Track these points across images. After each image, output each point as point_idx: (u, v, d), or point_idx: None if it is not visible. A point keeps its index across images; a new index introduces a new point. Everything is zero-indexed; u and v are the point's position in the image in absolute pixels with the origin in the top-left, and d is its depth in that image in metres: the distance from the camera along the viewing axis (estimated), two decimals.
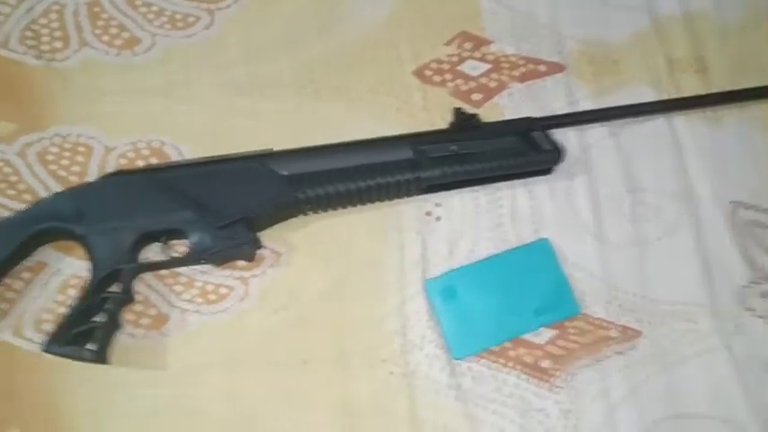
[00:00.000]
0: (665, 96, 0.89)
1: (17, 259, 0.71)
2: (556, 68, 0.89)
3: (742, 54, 0.92)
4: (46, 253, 0.74)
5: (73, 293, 0.73)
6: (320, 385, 0.73)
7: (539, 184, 0.83)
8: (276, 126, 0.83)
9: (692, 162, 0.86)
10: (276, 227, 0.77)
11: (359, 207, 0.79)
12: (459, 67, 0.88)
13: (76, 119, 0.80)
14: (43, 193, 0.77)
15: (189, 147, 0.81)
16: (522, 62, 0.89)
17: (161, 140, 0.81)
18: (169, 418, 0.70)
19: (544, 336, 0.77)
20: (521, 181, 0.82)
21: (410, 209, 0.80)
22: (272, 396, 0.72)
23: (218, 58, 0.85)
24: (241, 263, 0.76)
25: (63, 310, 0.72)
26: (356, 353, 0.74)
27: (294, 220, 0.78)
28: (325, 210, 0.77)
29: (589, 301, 0.78)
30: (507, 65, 0.89)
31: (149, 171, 0.74)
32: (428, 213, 0.81)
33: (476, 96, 0.87)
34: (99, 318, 0.69)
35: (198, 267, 0.76)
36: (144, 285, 0.74)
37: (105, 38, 0.84)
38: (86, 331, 0.68)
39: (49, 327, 0.72)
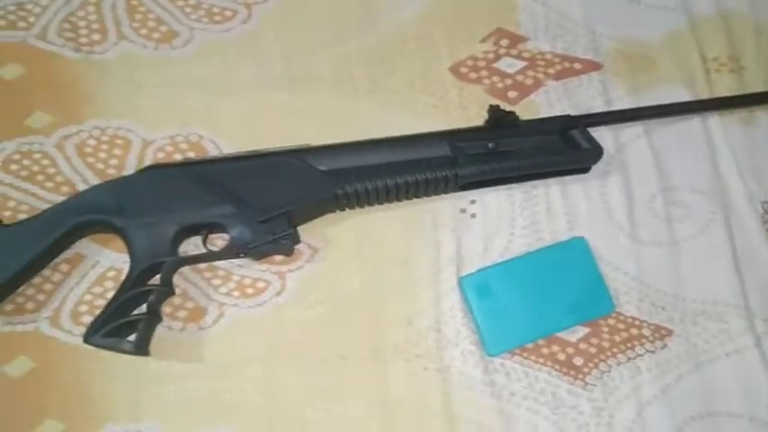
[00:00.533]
0: (699, 96, 0.88)
1: (56, 251, 0.72)
2: (591, 66, 0.89)
3: None
4: (84, 245, 0.75)
5: (110, 286, 0.74)
6: (357, 380, 0.73)
7: (573, 183, 0.83)
8: (313, 121, 0.83)
9: (725, 162, 0.86)
10: (313, 222, 0.77)
11: (395, 203, 0.79)
12: (495, 65, 0.88)
13: (115, 112, 0.81)
14: (81, 186, 0.77)
15: (226, 141, 0.81)
16: (557, 60, 0.89)
17: (198, 134, 0.81)
18: (207, 411, 0.71)
19: (577, 333, 0.77)
20: (555, 179, 0.83)
21: (445, 206, 0.81)
22: (309, 390, 0.72)
23: (255, 52, 0.85)
24: (278, 257, 0.77)
25: (101, 302, 0.73)
26: (392, 348, 0.74)
27: (330, 215, 0.78)
28: (362, 206, 0.77)
29: (622, 299, 0.79)
30: (543, 62, 0.89)
31: (189, 165, 0.75)
32: (463, 210, 0.81)
33: (512, 94, 0.87)
34: (139, 310, 0.70)
35: (235, 261, 0.76)
36: (182, 278, 0.75)
37: (143, 31, 0.85)
38: (127, 324, 0.68)
39: (87, 318, 0.73)
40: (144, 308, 0.70)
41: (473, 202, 0.81)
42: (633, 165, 0.85)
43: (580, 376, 0.75)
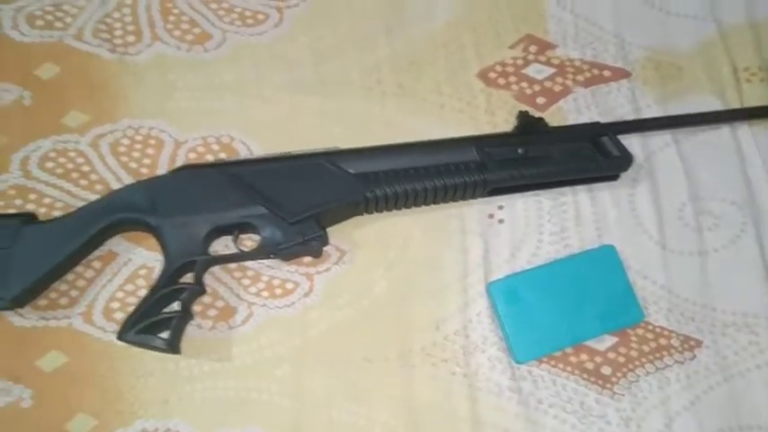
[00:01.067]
0: (729, 105, 0.88)
1: (91, 248, 0.73)
2: (620, 74, 0.89)
3: None
4: (116, 243, 0.76)
5: (142, 283, 0.75)
6: (383, 383, 0.73)
7: (601, 190, 0.83)
8: (342, 125, 0.83)
9: (755, 172, 0.86)
10: (340, 225, 0.78)
11: (422, 207, 0.79)
12: (523, 71, 0.88)
13: (148, 112, 0.82)
14: (115, 184, 0.78)
15: (257, 143, 0.82)
16: (586, 67, 0.89)
17: (230, 136, 0.82)
18: (236, 410, 0.71)
19: (605, 342, 0.77)
20: (583, 186, 0.83)
21: (472, 211, 0.81)
22: (335, 392, 0.73)
23: (286, 56, 0.86)
24: (306, 259, 0.77)
25: (132, 299, 0.74)
26: (418, 352, 0.75)
27: (358, 218, 0.78)
28: (390, 209, 0.78)
29: (651, 308, 0.78)
30: (572, 69, 0.89)
31: (222, 165, 0.75)
32: (490, 216, 0.81)
33: (540, 100, 0.87)
34: (171, 308, 0.71)
35: (265, 262, 0.77)
36: (212, 278, 0.76)
37: (177, 33, 0.86)
38: (160, 321, 0.69)
39: (119, 315, 0.73)
40: (176, 306, 0.71)
41: (501, 207, 0.81)
42: (662, 173, 0.85)
43: (608, 385, 0.75)
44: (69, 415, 0.70)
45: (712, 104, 0.88)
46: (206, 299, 0.75)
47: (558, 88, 0.88)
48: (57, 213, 0.76)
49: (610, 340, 0.77)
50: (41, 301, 0.73)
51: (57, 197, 0.77)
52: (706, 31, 0.93)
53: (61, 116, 0.81)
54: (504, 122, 0.85)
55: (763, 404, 0.76)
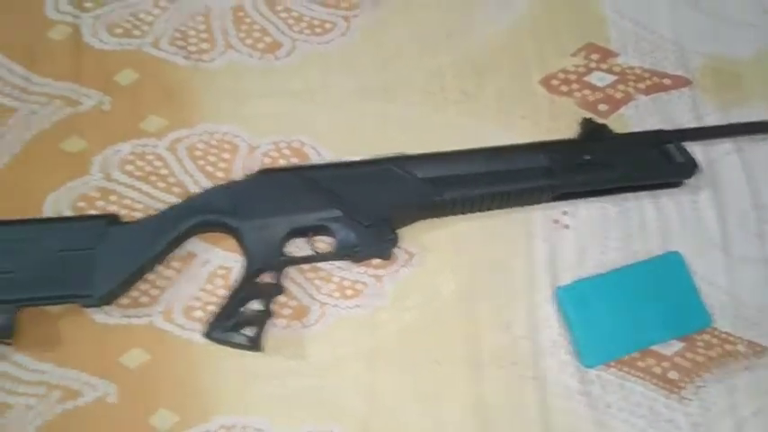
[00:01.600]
0: None
1: (172, 248, 0.75)
2: (681, 82, 0.90)
3: None
4: (195, 244, 0.78)
5: (220, 283, 0.77)
6: (453, 384, 0.75)
7: (665, 197, 0.84)
8: (406, 131, 0.85)
9: None
10: (408, 228, 0.79)
11: (485, 213, 0.81)
12: (585, 78, 0.89)
13: (222, 118, 0.84)
14: (192, 187, 0.81)
15: (326, 148, 0.84)
16: (647, 75, 0.90)
17: (300, 141, 0.84)
18: (310, 407, 0.73)
19: (672, 347, 0.78)
20: (647, 193, 0.84)
21: (538, 216, 0.82)
22: (406, 392, 0.74)
23: (353, 63, 0.88)
24: (375, 261, 0.79)
25: (211, 298, 0.76)
26: (487, 355, 0.76)
27: (425, 221, 0.80)
28: (458, 213, 0.80)
29: (716, 314, 0.79)
30: (633, 77, 0.90)
31: (299, 169, 0.78)
32: (556, 221, 0.82)
33: (602, 107, 0.88)
34: (251, 307, 0.73)
35: (336, 263, 0.79)
36: (286, 278, 0.77)
37: (248, 41, 0.88)
38: (243, 320, 0.72)
39: (199, 314, 0.76)
40: (256, 305, 0.73)
41: (565, 213, 0.82)
42: (724, 181, 0.85)
43: (676, 390, 0.76)
44: (152, 410, 0.72)
45: None
46: (280, 298, 0.76)
47: (619, 95, 0.89)
48: (137, 215, 0.79)
49: (676, 345, 0.78)
50: (123, 300, 0.75)
51: (136, 199, 0.80)
52: (765, 38, 0.93)
53: (139, 121, 0.84)
54: (566, 129, 0.86)
55: None
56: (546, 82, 0.89)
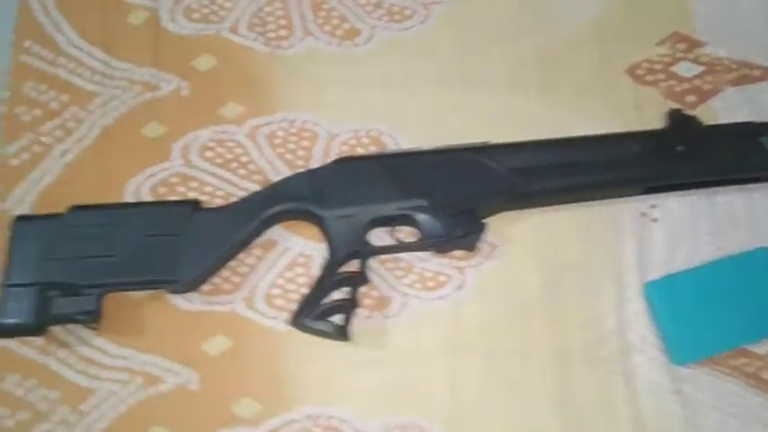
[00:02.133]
0: None
1: (255, 235, 0.75)
2: None
3: None
4: (275, 231, 0.77)
5: (300, 271, 0.76)
6: (539, 379, 0.73)
7: (756, 191, 0.81)
8: (486, 120, 0.83)
9: None
10: (490, 219, 0.77)
11: (571, 206, 0.79)
12: (672, 68, 0.87)
13: (302, 105, 0.83)
14: (272, 174, 0.80)
15: (405, 136, 0.82)
16: (735, 66, 0.87)
17: (379, 129, 0.83)
18: (394, 398, 0.72)
19: (765, 346, 0.75)
20: (737, 186, 0.81)
21: (624, 209, 0.80)
22: (492, 385, 0.73)
23: (433, 51, 0.87)
24: (457, 252, 0.77)
25: (292, 286, 0.76)
26: (575, 350, 0.74)
27: (508, 213, 0.78)
28: (545, 204, 0.78)
29: None
30: (721, 68, 0.87)
31: (382, 158, 0.77)
32: (643, 214, 0.80)
33: (690, 98, 0.85)
34: (337, 297, 0.72)
35: (417, 254, 0.77)
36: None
37: (327, 28, 0.87)
38: (330, 309, 0.71)
39: (280, 302, 0.75)
40: (340, 294, 0.72)
41: (653, 206, 0.80)
42: None
43: None
44: (235, 398, 0.72)
45: None
46: (362, 288, 0.75)
47: (707, 87, 0.86)
48: (218, 201, 0.78)
49: None
50: (205, 287, 0.75)
51: (217, 185, 0.80)
52: None
53: (218, 107, 0.83)
54: (652, 120, 0.83)
55: None
56: (631, 72, 0.86)
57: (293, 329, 0.73)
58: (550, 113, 0.84)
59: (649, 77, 0.86)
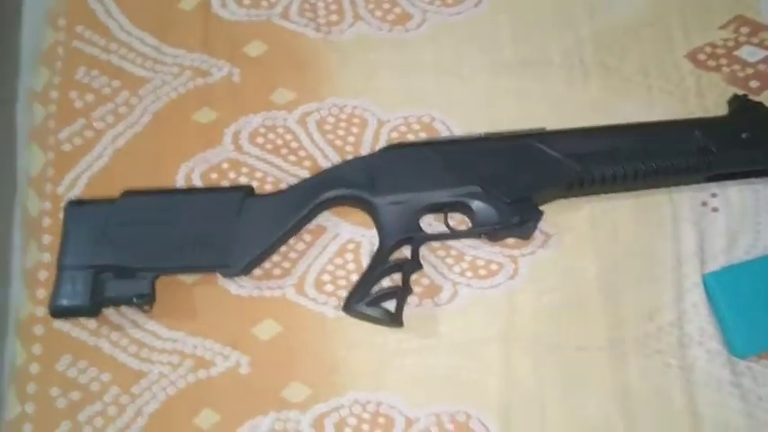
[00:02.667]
0: None
1: (307, 221, 0.74)
2: None
3: None
4: (325, 217, 0.77)
5: (350, 257, 0.76)
6: (595, 371, 0.72)
7: None
8: (543, 105, 0.82)
9: None
10: (544, 207, 0.76)
11: (628, 194, 0.77)
12: (735, 53, 0.84)
13: (352, 91, 0.82)
14: (322, 161, 0.80)
15: (457, 123, 0.81)
16: None
17: (431, 115, 0.81)
18: (445, 386, 0.72)
19: None
20: None
21: (684, 198, 0.77)
22: (546, 376, 0.72)
23: (486, 36, 0.85)
24: (509, 241, 0.76)
25: (341, 272, 0.75)
26: (631, 342, 0.72)
27: (562, 201, 0.77)
28: (603, 191, 0.76)
29: None
30: None
31: (435, 144, 0.75)
32: (704, 204, 0.77)
33: (754, 84, 0.82)
34: (388, 283, 0.71)
35: (467, 242, 0.76)
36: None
37: (378, 13, 0.86)
38: (384, 295, 0.70)
39: (330, 288, 0.75)
40: (391, 281, 0.71)
41: (714, 195, 0.77)
42: None
43: None
44: (285, 383, 0.72)
45: None
46: (413, 275, 0.74)
47: None
48: (268, 187, 0.78)
49: None
50: (256, 271, 0.75)
51: (267, 171, 0.79)
52: None
53: (269, 93, 0.83)
54: (714, 106, 0.81)
55: None
56: (692, 56, 0.84)
57: (342, 315, 0.73)
58: (608, 99, 0.82)
59: (711, 62, 0.83)
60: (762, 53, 0.84)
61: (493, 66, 0.84)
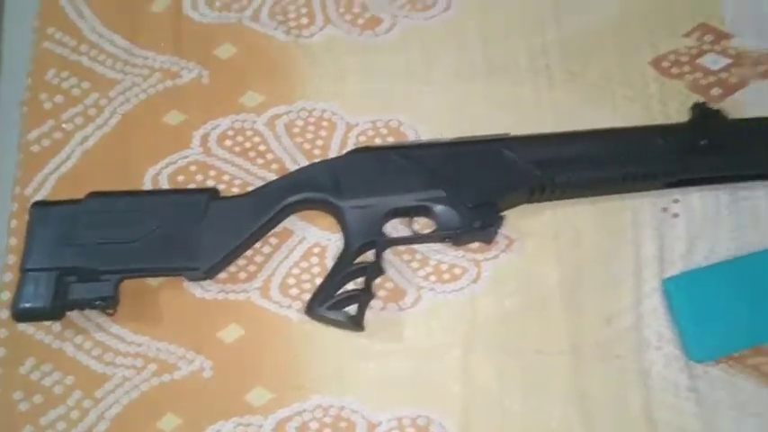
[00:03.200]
0: None
1: (273, 224, 0.75)
2: None
3: None
4: (291, 221, 0.77)
5: (315, 261, 0.76)
6: (556, 375, 0.72)
7: None
8: (510, 111, 0.82)
9: None
10: (507, 212, 0.76)
11: (591, 199, 0.78)
12: (698, 60, 0.85)
13: (321, 95, 0.83)
14: (290, 164, 0.80)
15: (425, 127, 0.82)
16: (764, 59, 0.85)
17: (399, 120, 0.82)
18: (407, 391, 0.72)
19: None
20: (762, 182, 0.79)
21: (645, 204, 0.78)
22: (507, 380, 0.72)
23: (454, 40, 0.86)
24: (473, 245, 0.77)
25: (307, 276, 0.76)
26: (590, 346, 0.73)
27: (525, 206, 0.77)
28: (565, 197, 0.77)
29: None
30: (749, 60, 0.85)
31: (401, 148, 0.76)
32: (665, 209, 0.78)
33: (715, 91, 0.83)
34: (351, 287, 0.72)
35: (432, 246, 0.77)
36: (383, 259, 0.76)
37: (348, 17, 0.86)
38: (345, 299, 0.71)
39: (295, 291, 0.75)
40: (355, 285, 0.72)
41: (676, 201, 0.78)
42: None
43: None
44: (248, 387, 0.72)
45: None
46: (377, 279, 0.75)
47: (734, 80, 0.84)
48: (235, 190, 0.78)
49: None
50: (221, 275, 0.75)
51: (235, 174, 0.80)
52: None
53: (239, 96, 0.83)
54: (676, 113, 0.82)
55: None
56: (657, 63, 0.85)
57: (307, 319, 0.73)
58: (573, 105, 0.83)
59: (675, 70, 0.85)
60: (724, 61, 0.85)
61: (461, 70, 0.85)
